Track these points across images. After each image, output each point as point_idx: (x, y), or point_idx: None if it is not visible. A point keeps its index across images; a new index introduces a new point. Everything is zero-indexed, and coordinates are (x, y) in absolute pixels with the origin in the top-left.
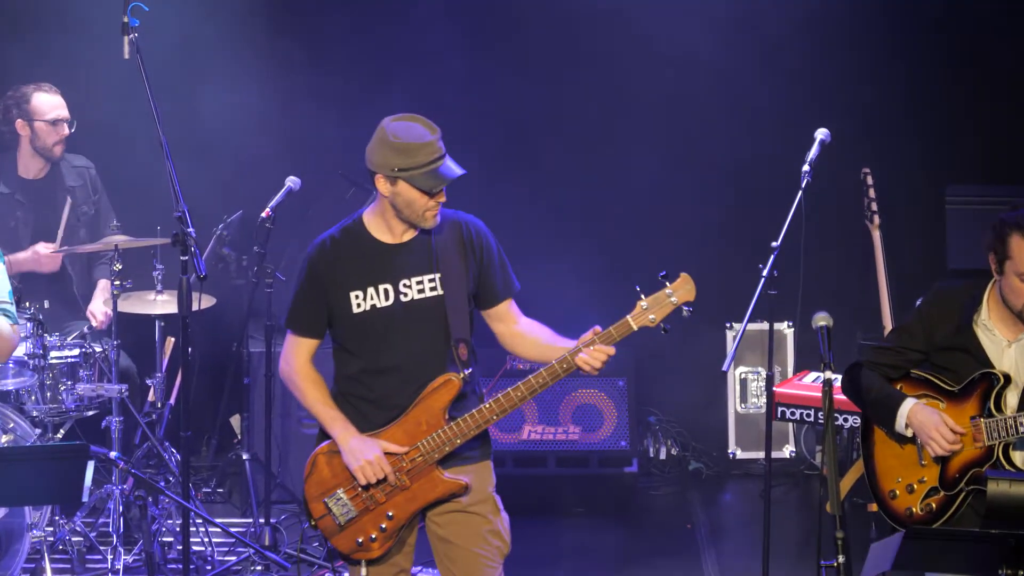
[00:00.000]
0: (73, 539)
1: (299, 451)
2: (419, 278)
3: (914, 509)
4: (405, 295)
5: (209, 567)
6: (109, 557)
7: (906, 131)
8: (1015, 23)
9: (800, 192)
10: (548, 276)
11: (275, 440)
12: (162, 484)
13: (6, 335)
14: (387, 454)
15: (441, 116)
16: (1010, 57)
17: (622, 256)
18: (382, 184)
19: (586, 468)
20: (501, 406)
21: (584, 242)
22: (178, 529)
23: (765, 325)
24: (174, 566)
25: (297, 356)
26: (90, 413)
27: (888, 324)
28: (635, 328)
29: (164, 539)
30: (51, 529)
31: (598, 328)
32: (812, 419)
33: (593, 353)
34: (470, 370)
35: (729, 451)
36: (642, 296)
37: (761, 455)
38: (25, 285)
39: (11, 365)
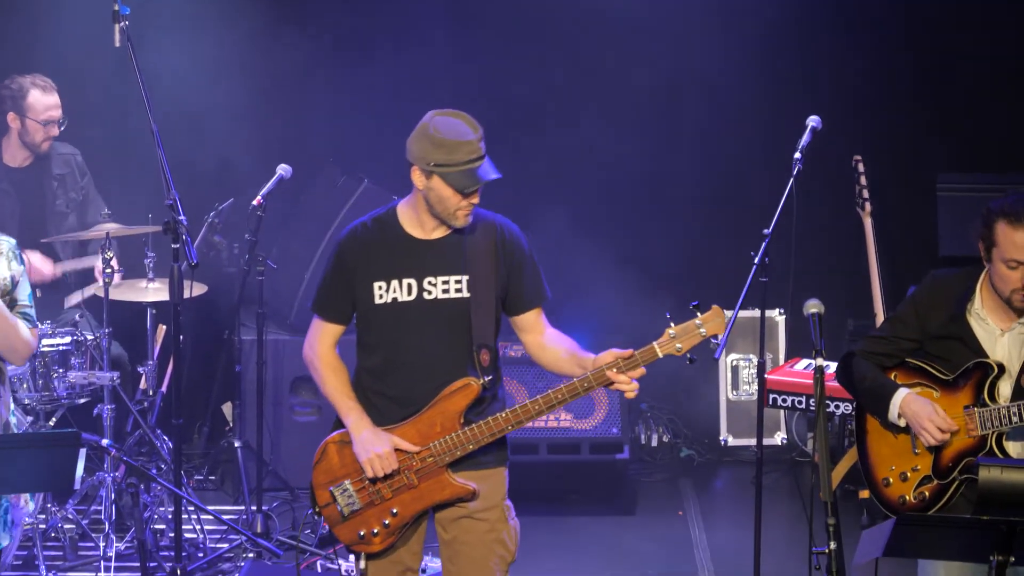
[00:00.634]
0: (65, 527)
1: (291, 439)
2: (445, 277)
3: (907, 497)
4: (429, 292)
5: (201, 554)
6: (101, 544)
7: (898, 119)
8: (1008, 12)
9: (792, 179)
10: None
11: (267, 428)
12: (154, 472)
13: (25, 338)
14: (397, 451)
15: (429, 94)
16: (1003, 46)
17: (611, 243)
18: (417, 177)
19: (577, 455)
20: (517, 417)
21: (571, 226)
22: (170, 516)
23: (757, 312)
24: (166, 553)
25: (321, 342)
26: (82, 401)
27: (879, 311)
28: (660, 355)
29: (156, 526)
30: (43, 516)
31: (615, 351)
32: (804, 406)
33: (620, 380)
34: (490, 377)
35: (721, 438)
36: (671, 324)
37: (752, 442)
38: None
39: None
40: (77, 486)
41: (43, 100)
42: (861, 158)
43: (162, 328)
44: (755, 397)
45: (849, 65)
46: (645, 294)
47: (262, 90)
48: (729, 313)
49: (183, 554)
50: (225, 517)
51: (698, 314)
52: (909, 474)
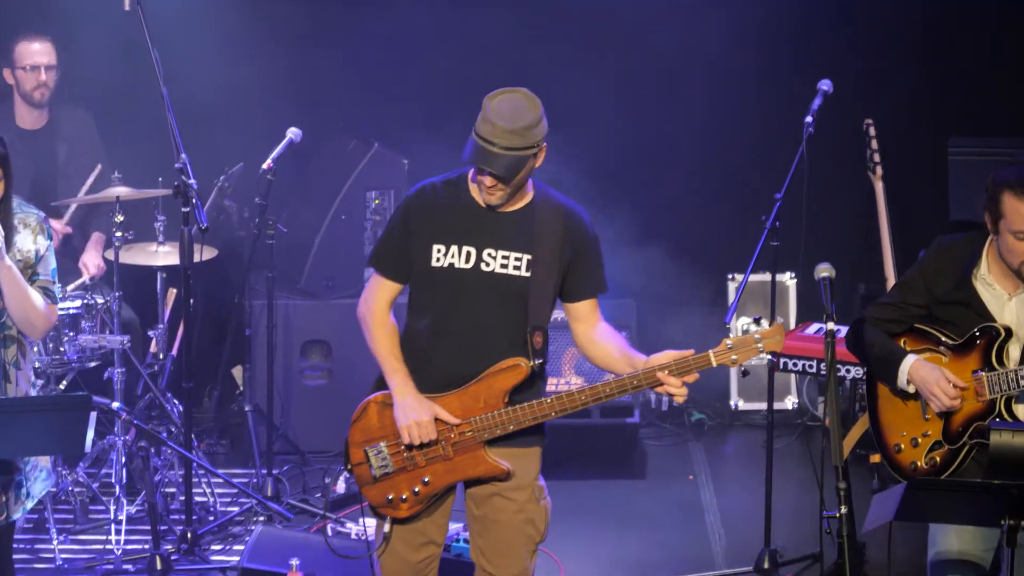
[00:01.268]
0: (76, 490)
1: (301, 403)
2: (507, 252)
3: (918, 463)
4: (487, 264)
5: (211, 518)
6: (112, 508)
7: (909, 82)
8: None
9: (803, 143)
10: None
11: (277, 392)
12: (164, 435)
13: (44, 314)
14: (437, 421)
15: (440, 58)
16: (1014, 9)
17: (623, 207)
18: None
19: (588, 419)
20: (563, 404)
21: (582, 190)
22: (180, 480)
23: (767, 276)
24: (176, 516)
25: (377, 299)
26: (92, 364)
27: (890, 275)
28: (714, 365)
29: (166, 490)
30: (54, 480)
31: (671, 352)
32: (814, 370)
33: (671, 384)
34: (540, 361)
35: (731, 402)
36: (730, 334)
37: (763, 406)
38: None
39: None
40: (88, 449)
41: (28, 47)
42: (872, 122)
43: (172, 292)
44: (766, 361)
45: (860, 28)
46: (656, 259)
47: (273, 53)
48: (782, 330)
49: (193, 517)
50: (235, 481)
51: (759, 330)
52: (920, 440)
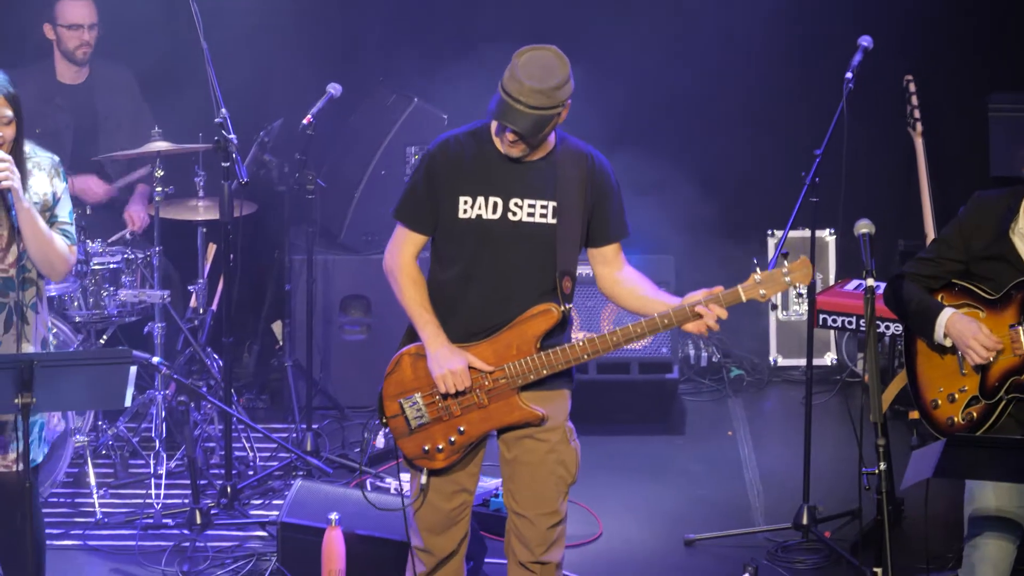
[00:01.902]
0: (116, 444)
1: (340, 358)
2: (532, 201)
3: (955, 419)
4: (514, 214)
5: (251, 472)
6: (152, 462)
7: (950, 38)
8: None
9: (843, 99)
10: None
11: (317, 347)
12: (204, 390)
13: (63, 255)
14: (471, 369)
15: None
16: None
17: (663, 164)
18: None
19: (627, 375)
20: (595, 346)
21: (622, 146)
22: (220, 434)
23: (807, 232)
24: (216, 471)
25: (403, 251)
26: (132, 319)
27: (930, 231)
28: (744, 299)
29: (206, 444)
30: (94, 434)
31: (703, 291)
32: (854, 327)
33: (710, 315)
34: (570, 305)
35: (770, 358)
36: (757, 269)
37: (802, 362)
38: None
39: None
40: (128, 404)
41: (71, 5)
42: (912, 78)
43: (212, 246)
44: (805, 317)
45: None
46: (696, 215)
47: (313, 7)
48: (808, 263)
49: (233, 472)
50: (275, 435)
51: (786, 263)
52: (957, 395)
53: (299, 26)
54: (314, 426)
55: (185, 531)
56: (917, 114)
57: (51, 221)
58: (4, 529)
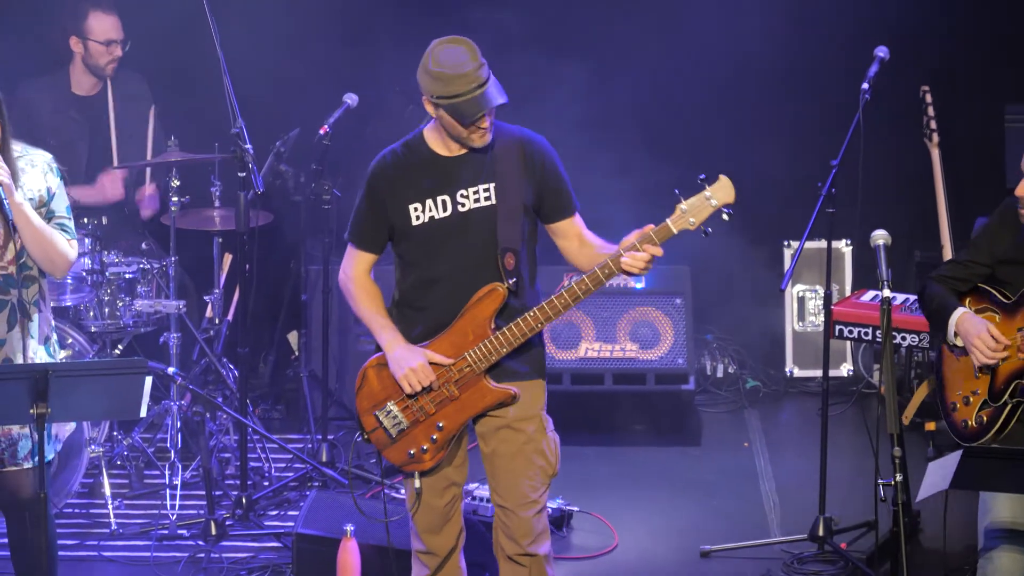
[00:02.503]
0: (131, 454)
1: (356, 368)
2: (475, 188)
3: (969, 421)
4: (463, 205)
5: (266, 483)
6: (167, 472)
7: (967, 49)
8: None
9: (859, 110)
10: (596, 185)
11: (332, 357)
12: (220, 400)
13: (64, 250)
14: (433, 365)
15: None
16: None
17: (677, 173)
18: (428, 107)
19: (643, 385)
20: (546, 313)
21: (634, 155)
22: (235, 445)
23: (823, 243)
24: (231, 481)
25: (355, 269)
26: (148, 329)
27: (946, 242)
28: (675, 231)
29: (222, 455)
30: (109, 444)
31: (634, 232)
32: (870, 337)
33: (635, 256)
34: (514, 280)
35: (786, 369)
36: (681, 199)
37: (818, 373)
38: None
39: (69, 281)
40: (143, 414)
41: (103, 20)
42: (929, 89)
43: (228, 256)
44: (821, 328)
45: None
46: (711, 225)
47: (329, 18)
48: (728, 181)
49: (248, 482)
50: (290, 446)
51: (707, 186)
52: (971, 398)
53: (316, 36)
54: (330, 437)
55: (200, 542)
56: (933, 125)
57: (48, 217)
58: (16, 529)
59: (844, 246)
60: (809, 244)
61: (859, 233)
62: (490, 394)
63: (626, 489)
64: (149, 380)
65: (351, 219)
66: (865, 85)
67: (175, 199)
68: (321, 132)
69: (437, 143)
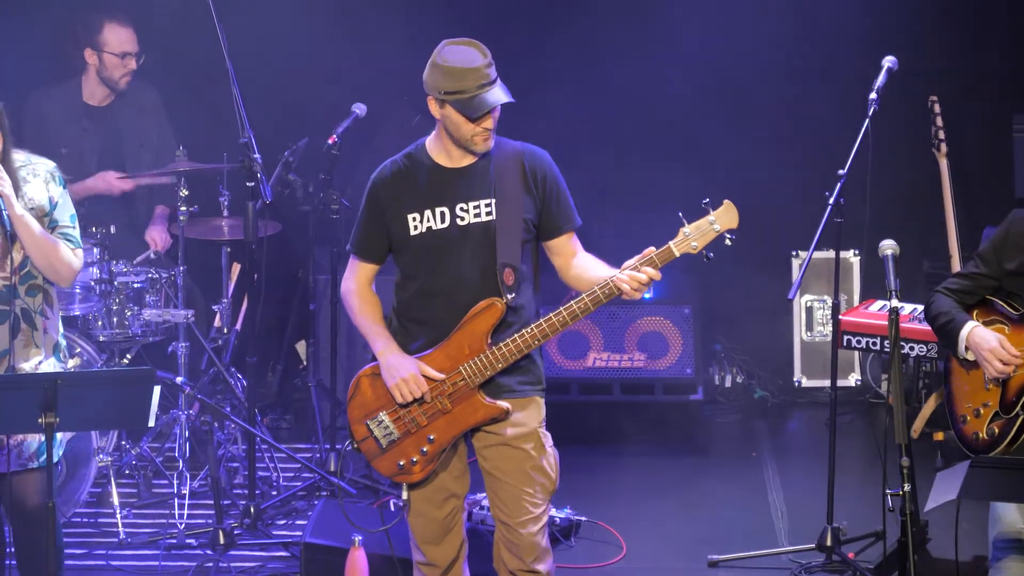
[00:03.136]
0: (139, 464)
1: None
2: (476, 202)
3: (980, 434)
4: (462, 219)
5: (275, 492)
6: (175, 482)
7: (975, 59)
8: None
9: (867, 119)
10: (601, 206)
11: (340, 366)
12: (228, 409)
13: (68, 260)
14: (426, 378)
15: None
16: None
17: (687, 183)
18: (432, 106)
19: (651, 395)
20: (543, 331)
21: (642, 172)
22: (244, 454)
23: (831, 253)
24: (240, 491)
25: (357, 278)
26: (156, 339)
27: (955, 252)
28: (677, 254)
29: (230, 464)
30: (117, 454)
31: (652, 249)
32: (878, 348)
33: (632, 276)
34: (513, 295)
35: (794, 379)
36: (685, 222)
37: (826, 383)
38: (91, 211)
39: (78, 290)
40: (151, 423)
41: (119, 33)
42: (937, 99)
43: (236, 266)
44: (829, 338)
45: (926, 4)
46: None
47: (337, 27)
48: (732, 206)
49: (256, 492)
50: (299, 455)
51: (710, 210)
52: (981, 410)
53: (325, 46)
54: (338, 446)
55: (208, 551)
56: (942, 135)
57: (52, 226)
58: (23, 538)
59: (852, 256)
60: (817, 254)
61: (867, 243)
62: (483, 409)
63: (634, 499)
64: (157, 390)
65: (353, 230)
66: (873, 95)
67: (183, 208)
68: (330, 142)
69: (439, 153)
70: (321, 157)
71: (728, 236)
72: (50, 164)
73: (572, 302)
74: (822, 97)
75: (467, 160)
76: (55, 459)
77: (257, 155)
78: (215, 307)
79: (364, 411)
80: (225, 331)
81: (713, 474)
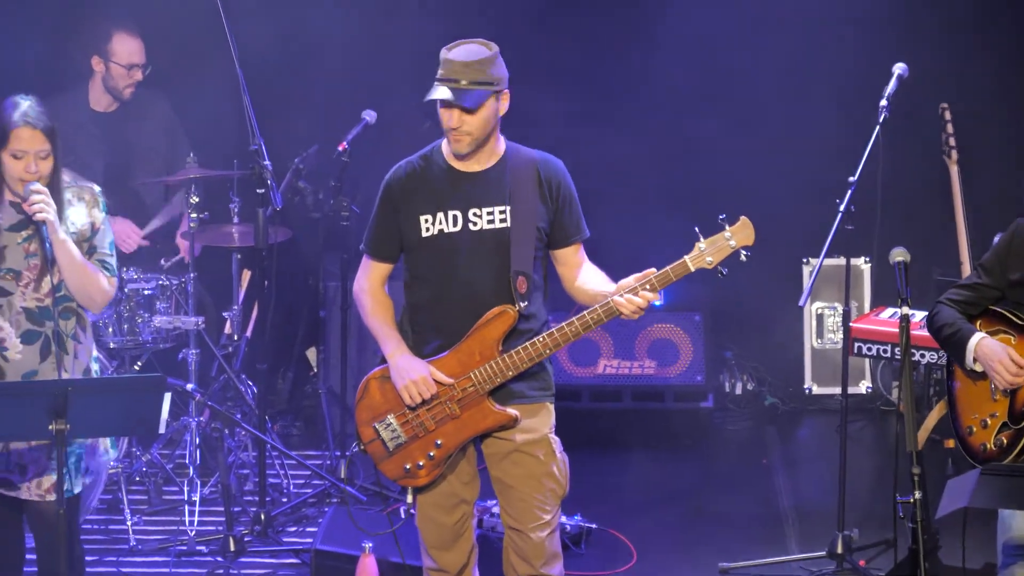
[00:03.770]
0: (149, 471)
1: None
2: (490, 208)
3: (988, 445)
4: (474, 224)
5: (285, 499)
6: (185, 489)
7: (985, 66)
8: None
9: (877, 127)
10: (611, 212)
11: (351, 373)
12: (238, 416)
13: (103, 287)
14: (435, 382)
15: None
16: None
17: (697, 190)
18: None
19: (661, 403)
20: (555, 340)
21: (649, 179)
22: (254, 461)
23: (842, 260)
24: (250, 498)
25: (370, 279)
26: (167, 345)
27: (965, 260)
28: (692, 269)
29: (240, 471)
30: (128, 460)
31: (653, 269)
32: (889, 355)
33: (630, 299)
34: (526, 303)
35: (805, 386)
36: (701, 237)
37: (837, 391)
38: None
39: None
40: (162, 430)
41: (127, 44)
42: (948, 106)
43: (247, 273)
44: (840, 345)
45: (936, 12)
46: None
47: (348, 35)
48: (749, 223)
49: (267, 499)
50: (309, 462)
51: (727, 226)
52: (989, 421)
53: (334, 53)
54: (348, 453)
55: (219, 558)
56: (952, 142)
57: (90, 252)
58: (45, 558)
59: (863, 263)
60: (828, 261)
61: (878, 251)
62: (491, 415)
63: (644, 506)
64: (168, 396)
65: (367, 230)
66: (884, 102)
67: (194, 215)
68: (340, 149)
69: (453, 155)
70: (331, 164)
71: (744, 252)
72: (95, 188)
73: (585, 313)
74: (833, 104)
75: (481, 164)
76: (77, 489)
77: (267, 162)
78: (225, 314)
79: (372, 413)
80: (235, 338)
81: (723, 481)
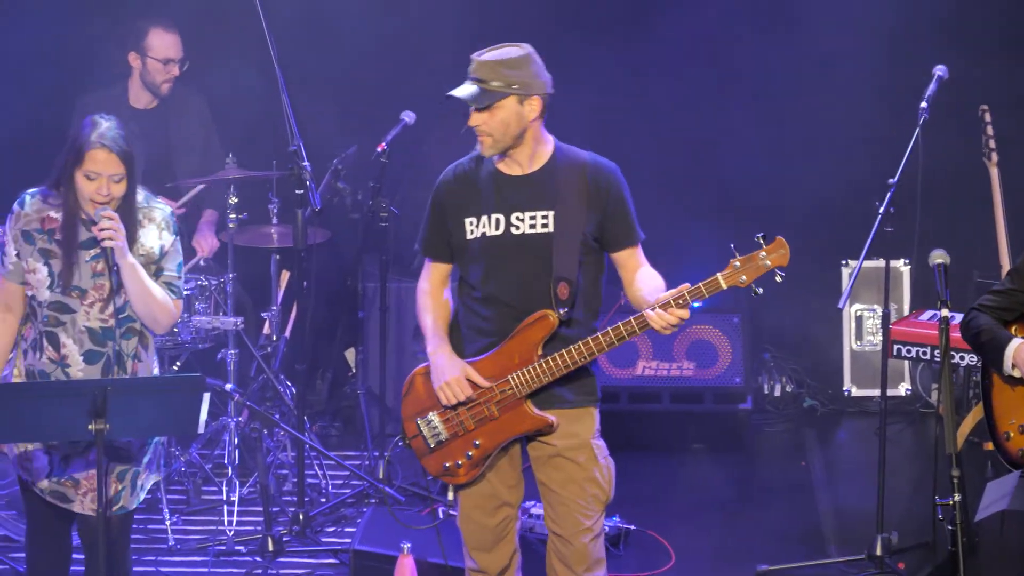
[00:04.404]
0: (188, 471)
1: None
2: (532, 213)
3: None
4: (516, 228)
5: (323, 500)
6: (224, 489)
7: None
8: None
9: (918, 129)
10: (654, 218)
11: (389, 374)
12: (277, 417)
13: (167, 309)
14: (473, 384)
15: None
16: None
17: (738, 193)
18: None
19: (700, 404)
20: (590, 348)
21: (689, 183)
22: (293, 461)
23: (881, 262)
24: (289, 498)
25: (431, 279)
26: (206, 345)
27: (1005, 262)
28: (724, 287)
29: (279, 471)
30: (167, 460)
31: (687, 285)
32: (928, 357)
33: (660, 314)
34: (566, 310)
35: (844, 389)
36: (736, 255)
37: (876, 393)
38: None
39: None
40: (201, 430)
41: (163, 39)
42: (988, 108)
43: (286, 273)
44: (879, 348)
45: (976, 14)
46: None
47: (388, 35)
48: (784, 243)
49: (305, 499)
50: (347, 463)
51: (763, 245)
52: None
53: (375, 54)
54: (386, 453)
55: (257, 558)
56: (992, 144)
57: (157, 274)
58: (94, 571)
59: (902, 265)
60: (867, 263)
61: (918, 253)
62: (529, 419)
63: (683, 508)
64: (207, 397)
65: (421, 232)
66: (924, 104)
67: (233, 216)
68: (379, 149)
69: (502, 158)
70: (370, 165)
71: (779, 272)
72: (167, 210)
73: (621, 324)
74: (873, 106)
75: (525, 168)
76: (132, 507)
77: (306, 163)
78: (264, 314)
79: (416, 408)
80: (274, 338)
81: (762, 484)
